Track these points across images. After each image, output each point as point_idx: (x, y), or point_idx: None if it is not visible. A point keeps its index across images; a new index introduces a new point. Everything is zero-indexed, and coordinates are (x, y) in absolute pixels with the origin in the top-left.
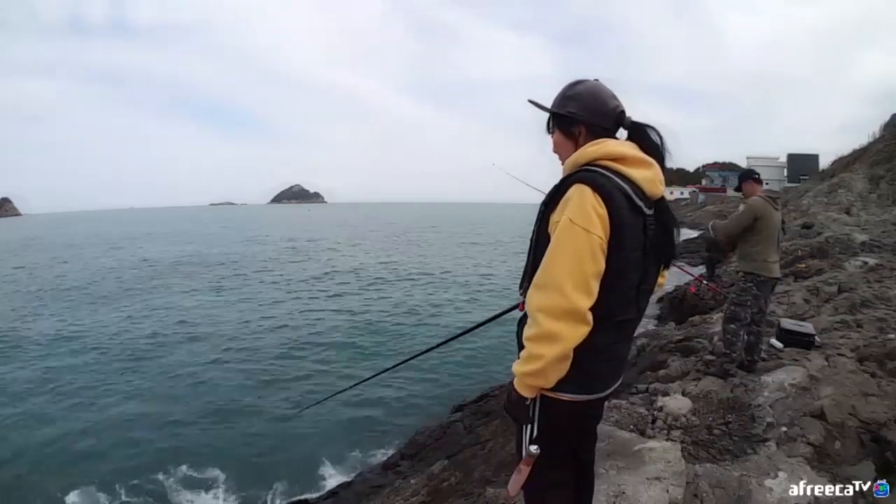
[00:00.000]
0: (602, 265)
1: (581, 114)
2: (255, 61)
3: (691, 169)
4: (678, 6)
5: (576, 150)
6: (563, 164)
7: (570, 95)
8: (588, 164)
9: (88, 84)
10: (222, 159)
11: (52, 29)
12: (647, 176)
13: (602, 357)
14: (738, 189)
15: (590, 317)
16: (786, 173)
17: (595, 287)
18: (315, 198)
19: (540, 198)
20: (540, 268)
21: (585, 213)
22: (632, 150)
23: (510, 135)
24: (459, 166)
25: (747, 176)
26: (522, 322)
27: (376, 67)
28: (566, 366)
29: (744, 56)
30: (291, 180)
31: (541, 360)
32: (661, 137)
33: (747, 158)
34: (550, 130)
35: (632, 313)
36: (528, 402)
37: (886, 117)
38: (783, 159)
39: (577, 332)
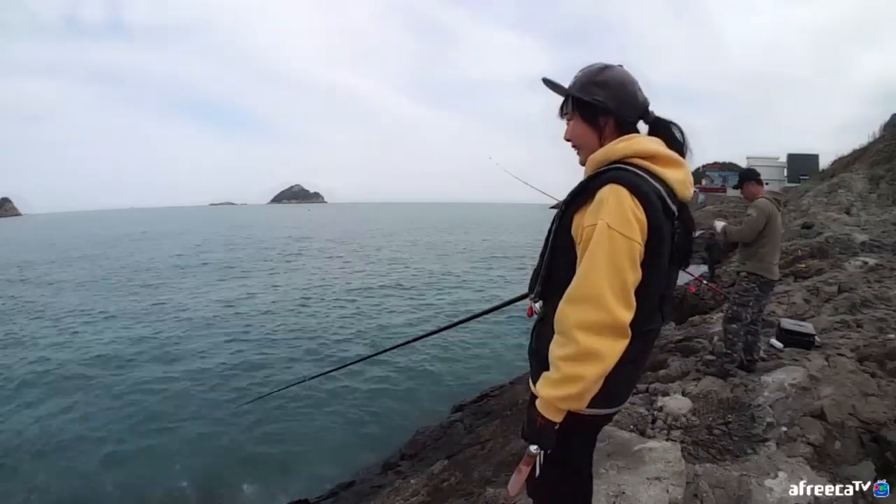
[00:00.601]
0: (640, 274)
1: (610, 103)
2: (255, 61)
3: (691, 169)
4: (678, 6)
5: (599, 141)
6: (579, 153)
7: (598, 81)
8: (617, 161)
9: (89, 84)
10: (222, 159)
11: (52, 29)
12: (679, 177)
13: (628, 369)
14: (737, 187)
15: (629, 330)
16: (786, 173)
17: (633, 298)
18: (315, 198)
19: (540, 198)
20: (576, 278)
21: (624, 216)
22: (662, 147)
23: (510, 135)
24: (460, 166)
25: (750, 177)
26: (539, 333)
27: (376, 67)
28: (601, 383)
29: (744, 56)
30: (291, 180)
31: (581, 382)
32: (683, 135)
33: (747, 158)
34: (566, 115)
35: (657, 322)
36: (557, 427)
37: (886, 117)
38: (783, 159)
39: (618, 348)
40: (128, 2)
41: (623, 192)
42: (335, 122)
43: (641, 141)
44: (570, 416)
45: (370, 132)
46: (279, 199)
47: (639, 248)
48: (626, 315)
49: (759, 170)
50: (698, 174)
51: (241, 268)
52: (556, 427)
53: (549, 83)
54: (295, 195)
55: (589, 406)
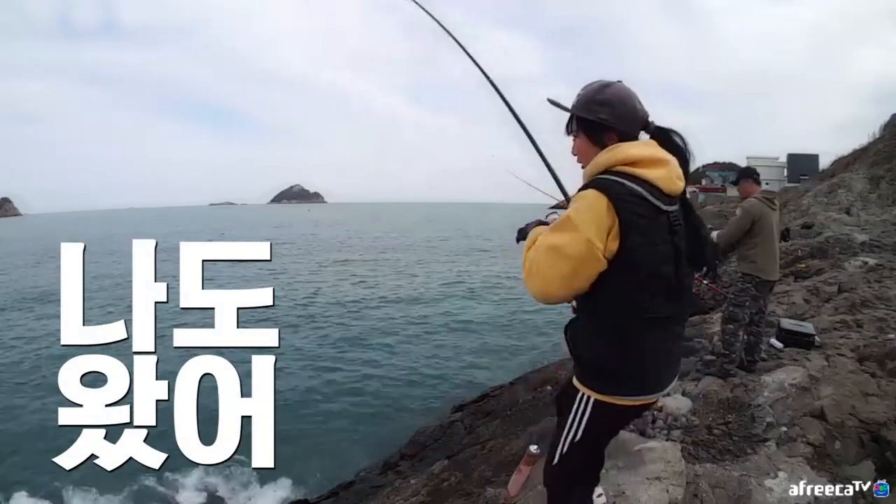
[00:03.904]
0: (583, 265)
1: (612, 120)
2: (256, 62)
3: (691, 169)
4: (679, 6)
5: None
6: (583, 168)
7: (600, 100)
8: (604, 172)
9: (89, 85)
10: (222, 159)
11: (52, 30)
12: (663, 174)
13: (655, 355)
14: (734, 183)
15: (558, 298)
16: (786, 173)
17: (575, 282)
18: (315, 198)
19: (540, 197)
20: (549, 230)
21: (584, 213)
22: (645, 150)
23: (511, 135)
24: (461, 166)
25: (746, 175)
26: (572, 336)
27: (376, 67)
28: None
29: (744, 56)
30: (291, 180)
31: (529, 271)
32: (683, 140)
33: (747, 158)
34: (572, 133)
35: (672, 310)
36: (578, 398)
37: (886, 117)
38: (783, 159)
39: (544, 296)
40: (129, 3)
41: (592, 194)
42: (335, 122)
43: (623, 149)
44: (605, 406)
45: (370, 132)
46: (279, 199)
47: (587, 242)
48: (560, 291)
49: (759, 170)
50: (698, 174)
51: None
52: (578, 398)
53: (553, 103)
54: (295, 195)
55: (622, 394)
